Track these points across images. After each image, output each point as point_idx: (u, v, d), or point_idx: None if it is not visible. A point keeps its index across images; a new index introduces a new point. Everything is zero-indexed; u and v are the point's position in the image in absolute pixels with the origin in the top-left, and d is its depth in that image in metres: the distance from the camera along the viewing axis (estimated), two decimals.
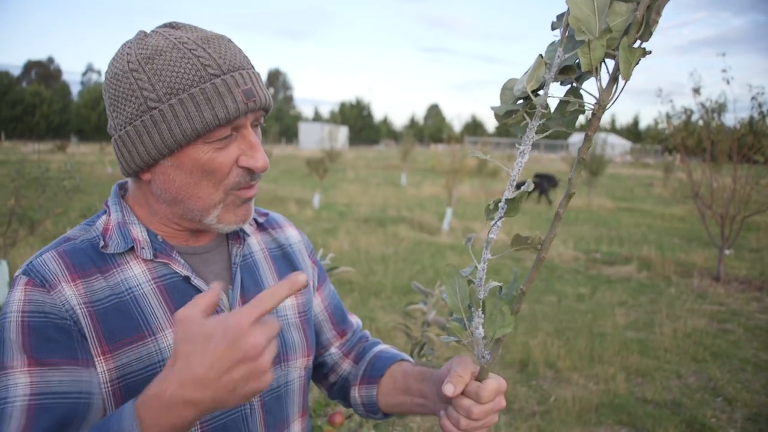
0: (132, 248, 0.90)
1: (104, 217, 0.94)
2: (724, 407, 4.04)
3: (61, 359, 0.81)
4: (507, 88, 0.74)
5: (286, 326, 1.02)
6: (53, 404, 0.78)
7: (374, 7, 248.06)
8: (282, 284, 0.68)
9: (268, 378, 0.68)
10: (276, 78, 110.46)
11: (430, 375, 1.01)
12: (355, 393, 1.15)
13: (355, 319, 1.27)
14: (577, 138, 57.66)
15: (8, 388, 0.78)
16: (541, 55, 0.70)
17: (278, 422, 0.99)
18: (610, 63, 0.67)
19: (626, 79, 0.65)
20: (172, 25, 0.89)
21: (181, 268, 0.91)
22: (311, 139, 50.61)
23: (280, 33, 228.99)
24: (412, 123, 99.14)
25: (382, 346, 1.21)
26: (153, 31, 0.89)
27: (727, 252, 7.82)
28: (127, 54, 0.86)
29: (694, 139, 8.13)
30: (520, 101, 0.73)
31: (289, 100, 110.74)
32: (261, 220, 1.10)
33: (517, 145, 0.73)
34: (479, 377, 0.84)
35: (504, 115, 0.73)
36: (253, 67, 0.91)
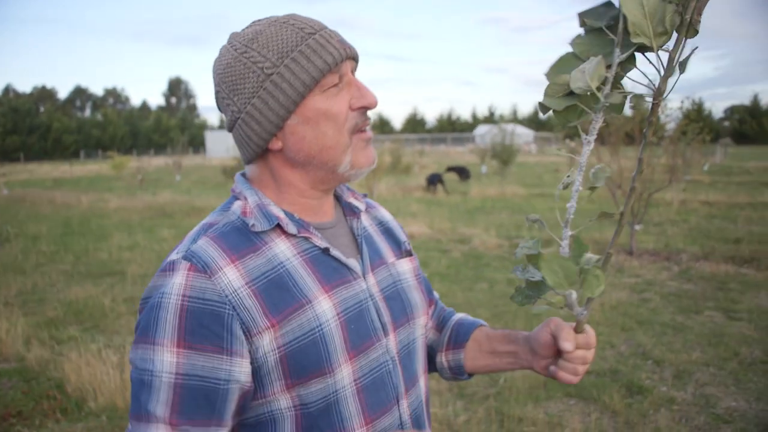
0: (275, 226, 0.96)
1: (238, 202, 0.99)
2: (654, 368, 4.34)
3: (208, 346, 0.86)
4: (557, 84, 0.82)
5: (408, 288, 1.11)
6: (196, 385, 0.85)
7: (275, 10, 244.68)
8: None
9: None
10: (177, 86, 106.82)
11: (515, 336, 1.14)
12: (443, 358, 1.24)
13: (435, 293, 1.35)
14: (482, 130, 59.42)
15: (155, 362, 0.85)
16: (602, 56, 0.78)
17: (412, 377, 1.07)
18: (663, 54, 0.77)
19: (682, 72, 0.76)
20: (252, 23, 1.00)
21: (320, 241, 0.98)
22: (219, 147, 49.47)
23: (180, 40, 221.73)
24: None
25: (461, 314, 1.31)
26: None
27: (637, 227, 8.37)
28: (231, 46, 0.96)
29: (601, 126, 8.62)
30: (571, 95, 0.82)
31: (193, 108, 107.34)
32: (363, 207, 1.16)
33: (584, 136, 0.82)
34: (577, 330, 0.98)
35: (563, 110, 0.83)
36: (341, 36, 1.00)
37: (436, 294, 1.34)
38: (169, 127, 75.26)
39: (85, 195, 17.30)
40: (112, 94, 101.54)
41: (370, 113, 1.00)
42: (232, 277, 0.89)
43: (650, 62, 0.77)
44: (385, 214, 1.24)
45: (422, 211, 12.81)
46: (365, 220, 1.15)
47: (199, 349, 0.86)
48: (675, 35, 0.75)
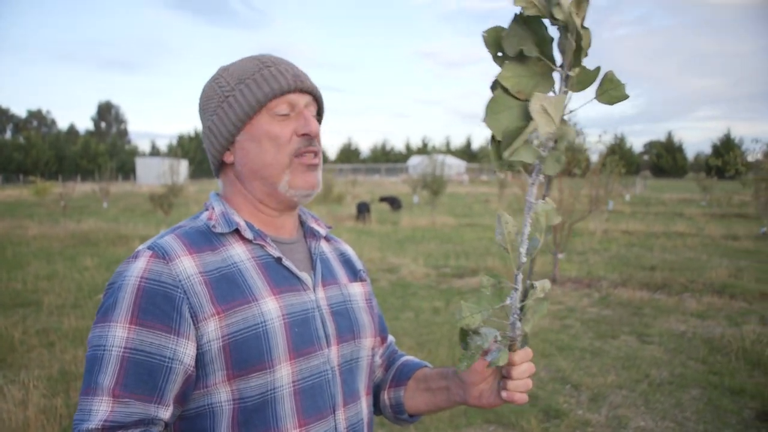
0: (234, 232, 1.08)
1: (206, 212, 1.12)
2: (572, 392, 4.48)
3: (158, 324, 0.96)
4: (517, 135, 0.82)
5: (357, 309, 1.19)
6: (143, 360, 0.94)
7: (206, 38, 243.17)
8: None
9: None
10: (107, 111, 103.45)
11: (447, 371, 1.19)
12: (385, 396, 1.30)
13: (390, 336, 1.41)
14: (415, 161, 60.30)
15: (107, 337, 0.94)
16: (565, 94, 0.81)
17: (352, 392, 1.13)
18: None
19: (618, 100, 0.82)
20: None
21: (273, 251, 1.09)
22: (150, 174, 48.06)
23: (110, 64, 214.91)
24: None
25: (409, 357, 1.37)
26: None
27: (560, 256, 8.67)
28: (212, 75, 1.14)
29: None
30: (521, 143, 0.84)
31: (123, 134, 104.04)
32: (324, 233, 1.25)
33: (530, 179, 0.86)
34: (513, 350, 1.02)
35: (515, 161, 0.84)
36: (304, 73, 1.14)
37: (391, 337, 1.41)
38: (98, 152, 72.49)
39: (2, 221, 16.44)
40: (37, 116, 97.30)
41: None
42: (187, 265, 1.00)
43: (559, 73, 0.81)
44: (347, 248, 1.34)
45: (352, 241, 12.83)
46: (325, 246, 1.25)
47: (149, 327, 0.95)
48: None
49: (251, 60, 1.11)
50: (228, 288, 1.01)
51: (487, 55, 0.82)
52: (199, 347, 0.98)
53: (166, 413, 0.96)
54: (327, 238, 1.28)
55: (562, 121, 0.81)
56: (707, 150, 74.57)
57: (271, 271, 1.07)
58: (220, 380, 0.98)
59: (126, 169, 67.78)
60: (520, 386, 1.04)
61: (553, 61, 0.81)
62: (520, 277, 0.93)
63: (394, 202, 20.56)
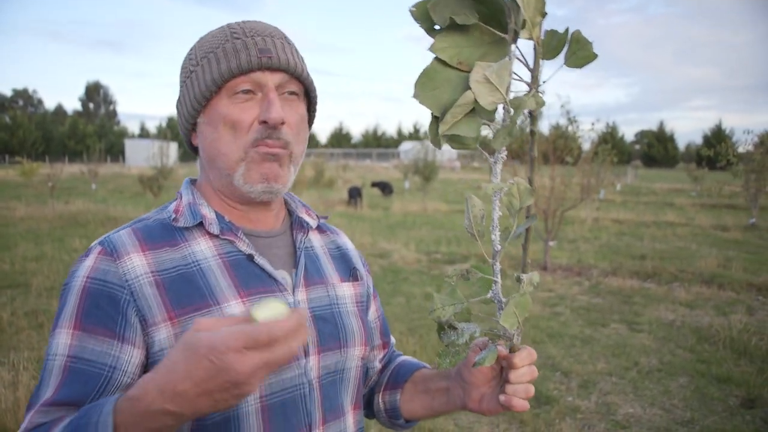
0: (200, 225, 0.96)
1: (176, 201, 1.01)
2: (562, 379, 4.51)
3: (100, 329, 0.86)
4: (461, 105, 0.73)
5: (345, 313, 1.05)
6: (82, 369, 0.84)
7: (197, 19, 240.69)
8: (290, 319, 0.65)
9: (251, 391, 0.67)
10: (96, 91, 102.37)
11: (448, 372, 1.06)
12: (379, 399, 1.18)
13: (392, 338, 1.30)
14: (407, 146, 60.23)
15: (52, 345, 0.86)
16: (507, 60, 0.72)
17: (334, 408, 1.00)
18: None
19: (588, 62, 0.73)
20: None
21: (245, 247, 0.96)
22: (139, 156, 47.72)
23: (99, 43, 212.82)
24: None
25: (406, 357, 1.25)
26: None
27: (551, 244, 8.69)
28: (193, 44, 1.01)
29: (517, 143, 8.93)
30: (471, 114, 0.75)
31: (112, 115, 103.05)
32: (315, 224, 1.11)
33: (490, 157, 0.77)
34: (513, 351, 0.92)
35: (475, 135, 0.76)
36: (285, 38, 0.98)
37: (393, 339, 1.30)
38: (86, 133, 71.78)
39: None
40: (22, 95, 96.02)
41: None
42: (137, 263, 0.89)
43: (521, 56, 0.73)
44: (345, 242, 1.20)
45: (344, 225, 12.81)
46: (317, 240, 1.12)
47: (91, 332, 0.85)
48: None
49: (223, 29, 0.96)
50: (185, 290, 0.90)
51: None
52: (149, 355, 0.87)
53: None
54: (322, 230, 1.15)
55: (513, 91, 0.73)
56: (698, 140, 75.03)
57: (240, 270, 0.94)
58: None
59: (115, 151, 67.34)
60: (519, 391, 0.92)
61: (503, 28, 0.73)
62: (498, 267, 0.83)
63: (385, 188, 20.57)
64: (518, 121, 0.73)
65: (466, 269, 0.86)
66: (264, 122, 0.91)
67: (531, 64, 0.73)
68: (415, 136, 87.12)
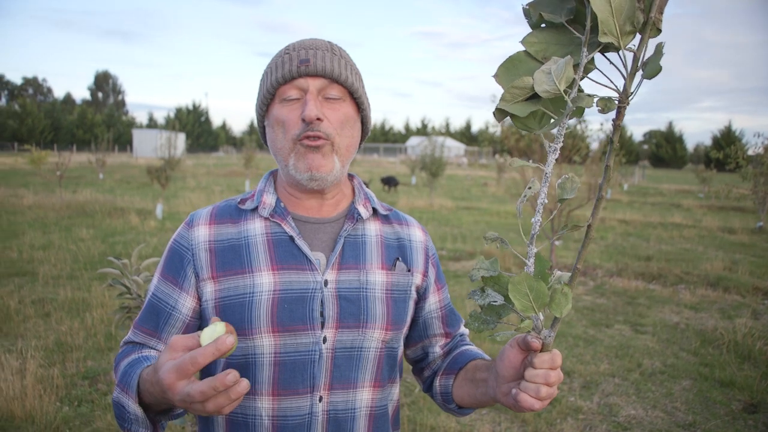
0: (258, 208, 1.17)
1: (253, 189, 1.23)
2: (564, 379, 4.52)
3: (171, 277, 1.14)
4: (517, 87, 0.76)
5: (372, 297, 1.15)
6: (156, 304, 1.15)
7: (208, 11, 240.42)
8: (207, 348, 0.83)
9: (228, 408, 0.85)
10: (105, 81, 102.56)
11: (490, 364, 1.10)
12: (436, 383, 1.26)
13: (463, 329, 1.35)
14: (414, 141, 60.16)
15: (152, 285, 1.18)
16: (570, 57, 0.72)
17: (344, 379, 1.13)
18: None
19: (652, 73, 0.71)
20: None
21: (289, 229, 1.14)
22: (147, 146, 47.80)
23: (109, 33, 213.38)
24: (252, 129, 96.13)
25: (470, 345, 1.31)
26: None
27: (556, 243, 8.68)
28: None
29: (525, 142, 8.92)
30: (532, 99, 0.77)
31: (121, 105, 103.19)
32: (384, 212, 1.26)
33: (548, 144, 0.78)
34: (543, 350, 0.91)
35: (525, 116, 0.77)
36: (333, 50, 1.14)
37: (463, 330, 1.34)
38: (95, 122, 71.89)
39: None
40: (32, 83, 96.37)
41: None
42: (202, 233, 1.14)
43: (611, 63, 0.74)
44: (416, 235, 1.28)
45: None
46: (376, 228, 1.23)
47: (166, 278, 1.14)
48: (637, 35, 0.72)
49: (285, 46, 1.16)
50: (230, 258, 1.12)
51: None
52: (200, 302, 1.13)
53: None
54: (388, 219, 1.26)
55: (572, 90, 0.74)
56: (707, 141, 74.59)
57: (280, 248, 1.12)
58: None
59: (123, 141, 67.48)
60: (529, 388, 0.91)
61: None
62: (533, 250, 0.82)
63: (390, 181, 20.68)
64: (568, 116, 0.76)
65: (501, 238, 0.85)
66: (302, 119, 1.08)
67: (626, 73, 0.74)
68: (422, 131, 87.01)
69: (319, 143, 1.08)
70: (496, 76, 0.78)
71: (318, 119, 1.07)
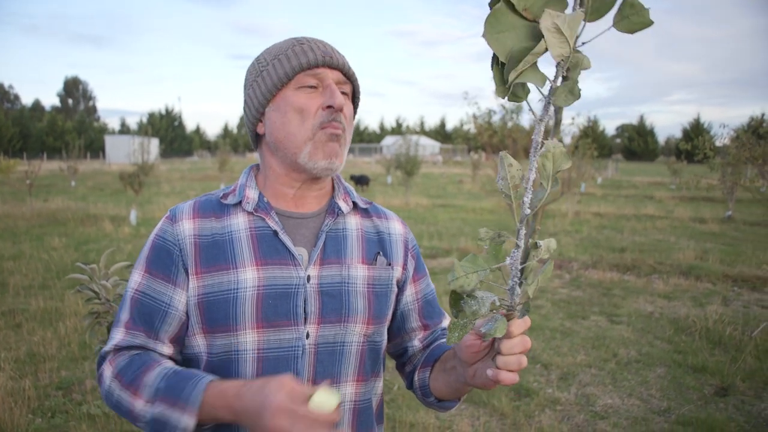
0: (242, 203, 1.15)
1: (235, 183, 1.21)
2: (542, 372, 4.57)
3: (161, 275, 1.11)
4: (536, 54, 0.71)
5: (353, 292, 1.15)
6: (146, 301, 1.10)
7: (179, 14, 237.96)
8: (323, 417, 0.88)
9: None
10: (75, 87, 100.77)
11: (455, 351, 1.07)
12: (415, 377, 1.24)
13: (445, 320, 1.31)
14: (390, 141, 60.24)
15: (132, 281, 1.13)
16: (579, 8, 0.69)
17: (327, 374, 1.12)
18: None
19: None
20: None
21: (273, 224, 1.13)
22: (120, 152, 47.05)
23: (78, 38, 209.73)
24: (227, 132, 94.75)
25: None
26: None
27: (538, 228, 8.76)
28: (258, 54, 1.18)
29: (498, 138, 9.00)
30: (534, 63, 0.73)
31: (92, 111, 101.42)
32: (363, 206, 1.25)
33: (538, 114, 0.74)
34: (510, 318, 0.89)
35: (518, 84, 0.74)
36: (338, 52, 1.16)
37: (444, 323, 1.32)
38: (65, 129, 70.55)
39: None
40: None
41: None
42: (186, 227, 1.12)
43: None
44: (395, 228, 1.28)
45: None
46: (356, 222, 1.23)
47: (154, 275, 1.11)
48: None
49: (288, 40, 1.16)
50: (214, 253, 1.10)
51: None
52: (187, 297, 1.11)
53: (163, 348, 1.10)
54: (368, 213, 1.25)
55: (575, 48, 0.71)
56: (678, 134, 75.85)
57: (264, 243, 1.12)
58: (197, 331, 1.10)
59: (95, 147, 66.36)
60: (510, 363, 0.90)
61: None
62: (523, 232, 0.79)
63: (361, 180, 20.83)
64: (576, 79, 0.71)
65: (497, 232, 0.82)
66: (329, 107, 1.09)
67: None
68: (397, 130, 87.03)
69: (340, 133, 1.11)
70: (484, 35, 0.73)
71: (342, 109, 1.10)
